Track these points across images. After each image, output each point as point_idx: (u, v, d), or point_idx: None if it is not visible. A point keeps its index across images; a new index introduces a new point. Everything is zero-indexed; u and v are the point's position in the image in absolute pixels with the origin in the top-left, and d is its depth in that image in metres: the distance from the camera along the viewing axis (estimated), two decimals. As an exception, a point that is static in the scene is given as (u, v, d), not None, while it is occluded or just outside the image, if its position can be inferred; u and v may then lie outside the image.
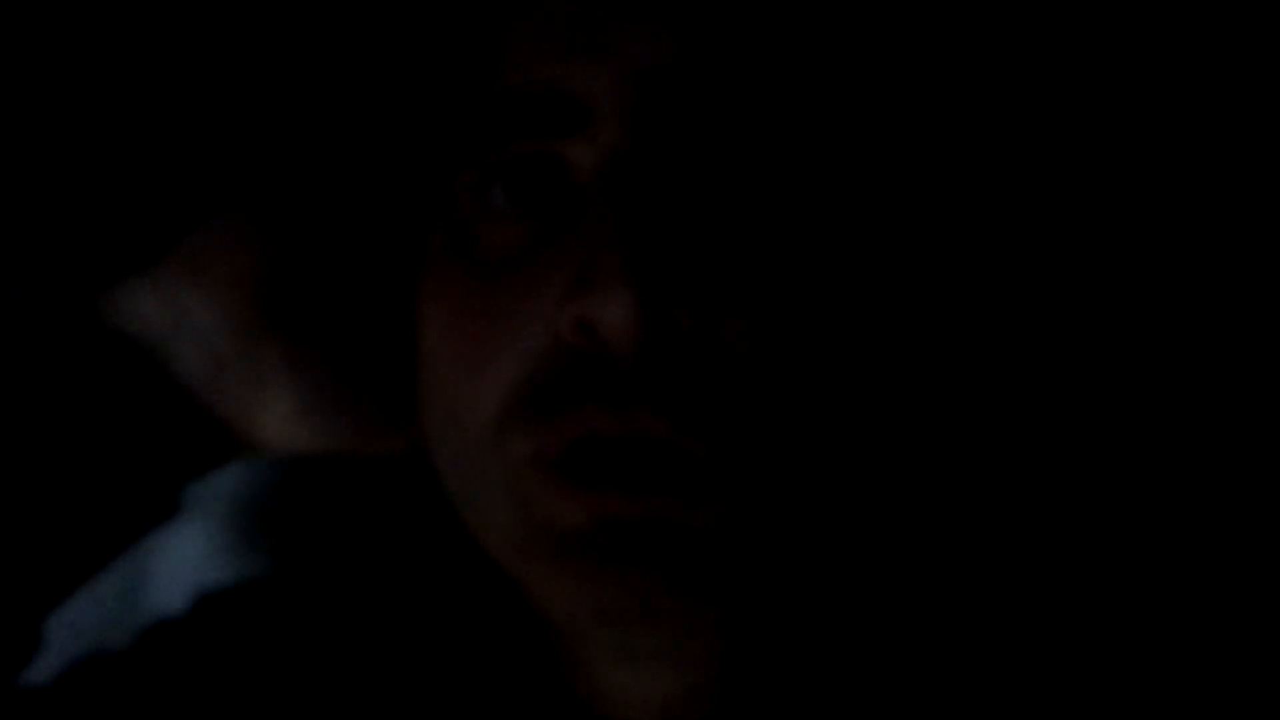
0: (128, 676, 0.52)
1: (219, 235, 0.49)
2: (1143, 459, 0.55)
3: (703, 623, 0.44)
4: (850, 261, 0.43)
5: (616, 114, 0.43)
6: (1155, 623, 0.48)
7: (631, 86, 0.43)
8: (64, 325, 0.49)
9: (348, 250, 0.50)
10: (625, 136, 0.43)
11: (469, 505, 0.45)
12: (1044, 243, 0.52)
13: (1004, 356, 0.50)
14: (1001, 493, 0.51)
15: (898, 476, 0.46)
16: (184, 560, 0.61)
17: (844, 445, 0.43)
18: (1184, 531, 0.52)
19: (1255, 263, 0.56)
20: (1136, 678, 0.46)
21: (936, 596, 0.48)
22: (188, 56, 0.52)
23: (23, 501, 0.48)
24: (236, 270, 0.49)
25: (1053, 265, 0.54)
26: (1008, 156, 0.49)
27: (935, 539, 0.49)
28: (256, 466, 0.60)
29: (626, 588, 0.42)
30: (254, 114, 0.51)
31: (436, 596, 0.52)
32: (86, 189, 0.50)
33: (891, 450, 0.45)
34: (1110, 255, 0.56)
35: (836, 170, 0.43)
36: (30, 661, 0.50)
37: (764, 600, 0.44)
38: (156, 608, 0.56)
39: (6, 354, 0.49)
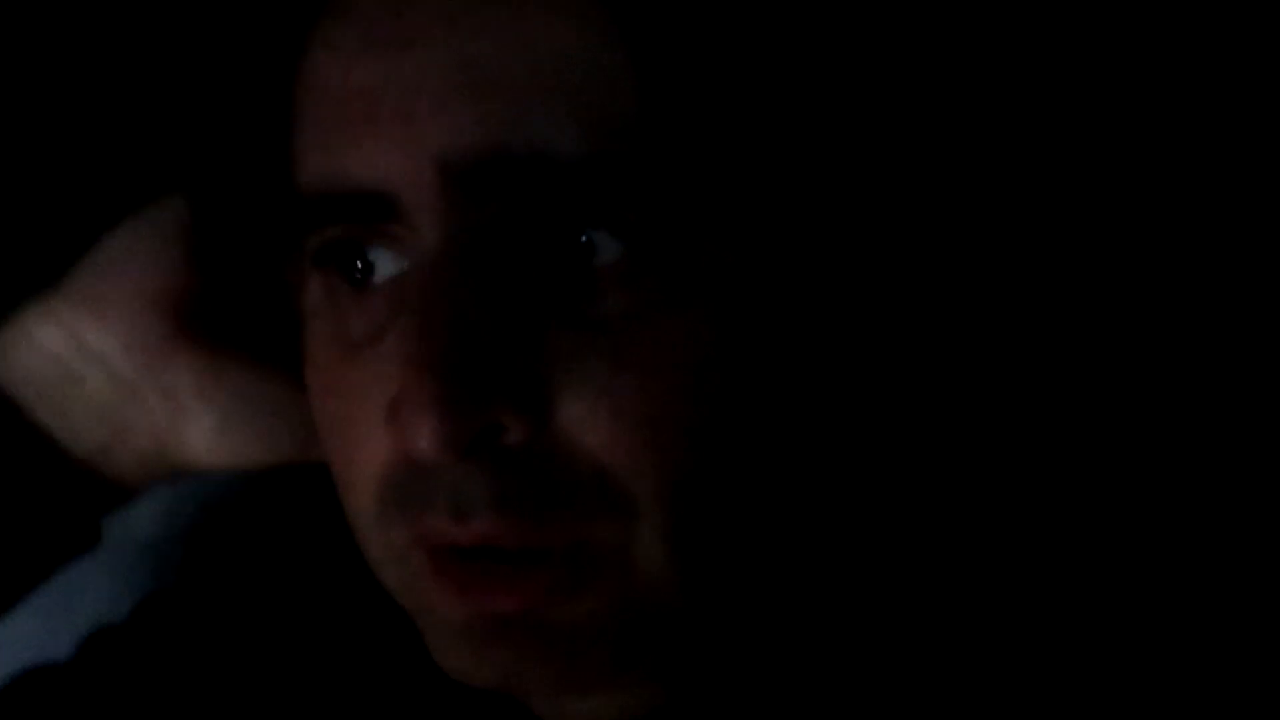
0: (65, 681, 0.53)
1: (113, 255, 0.48)
2: (1132, 461, 0.55)
3: (607, 680, 0.43)
4: (686, 338, 0.40)
5: (424, 204, 0.39)
6: (1139, 624, 0.47)
7: (435, 172, 0.38)
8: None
9: (250, 257, 0.49)
10: (436, 227, 0.39)
11: (368, 559, 0.44)
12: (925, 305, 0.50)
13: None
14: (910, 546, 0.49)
15: (776, 528, 0.45)
16: (95, 591, 0.62)
17: (707, 517, 0.41)
18: (1179, 530, 0.52)
19: (1255, 262, 0.56)
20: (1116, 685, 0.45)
21: (853, 619, 0.47)
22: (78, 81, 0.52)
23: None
24: (136, 291, 0.48)
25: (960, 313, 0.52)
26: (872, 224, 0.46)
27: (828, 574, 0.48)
28: (175, 490, 0.60)
29: (518, 665, 0.41)
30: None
31: (370, 602, 0.51)
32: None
33: (763, 508, 0.43)
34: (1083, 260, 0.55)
35: (662, 248, 0.39)
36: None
37: (666, 650, 0.44)
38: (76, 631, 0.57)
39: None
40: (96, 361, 0.48)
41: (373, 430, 0.41)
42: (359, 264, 0.42)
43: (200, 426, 0.49)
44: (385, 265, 0.41)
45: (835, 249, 0.43)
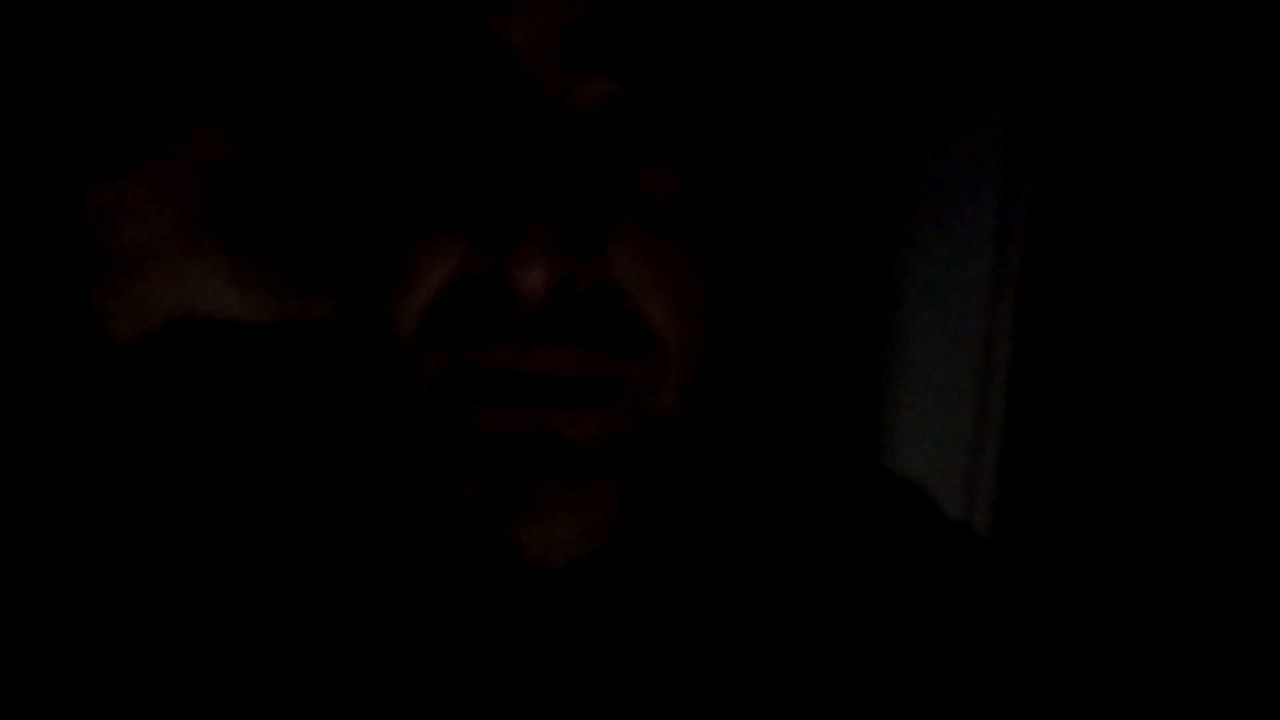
0: None
1: (174, 125, 0.51)
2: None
3: (593, 505, 0.50)
4: (730, 219, 0.49)
5: (543, 67, 0.45)
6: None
7: (556, 40, 0.45)
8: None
9: (284, 142, 0.52)
10: (552, 90, 0.45)
11: (395, 381, 0.50)
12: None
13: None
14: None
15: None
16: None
17: (702, 374, 0.49)
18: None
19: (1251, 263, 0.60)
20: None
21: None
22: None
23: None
24: (185, 166, 0.51)
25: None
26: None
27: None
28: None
29: (531, 477, 0.48)
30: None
31: (351, 454, 0.57)
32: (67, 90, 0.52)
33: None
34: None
35: (731, 137, 0.48)
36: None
37: (643, 484, 0.51)
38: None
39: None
40: (134, 215, 0.51)
41: (438, 256, 0.47)
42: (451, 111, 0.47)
43: (216, 285, 0.52)
44: (482, 117, 0.47)
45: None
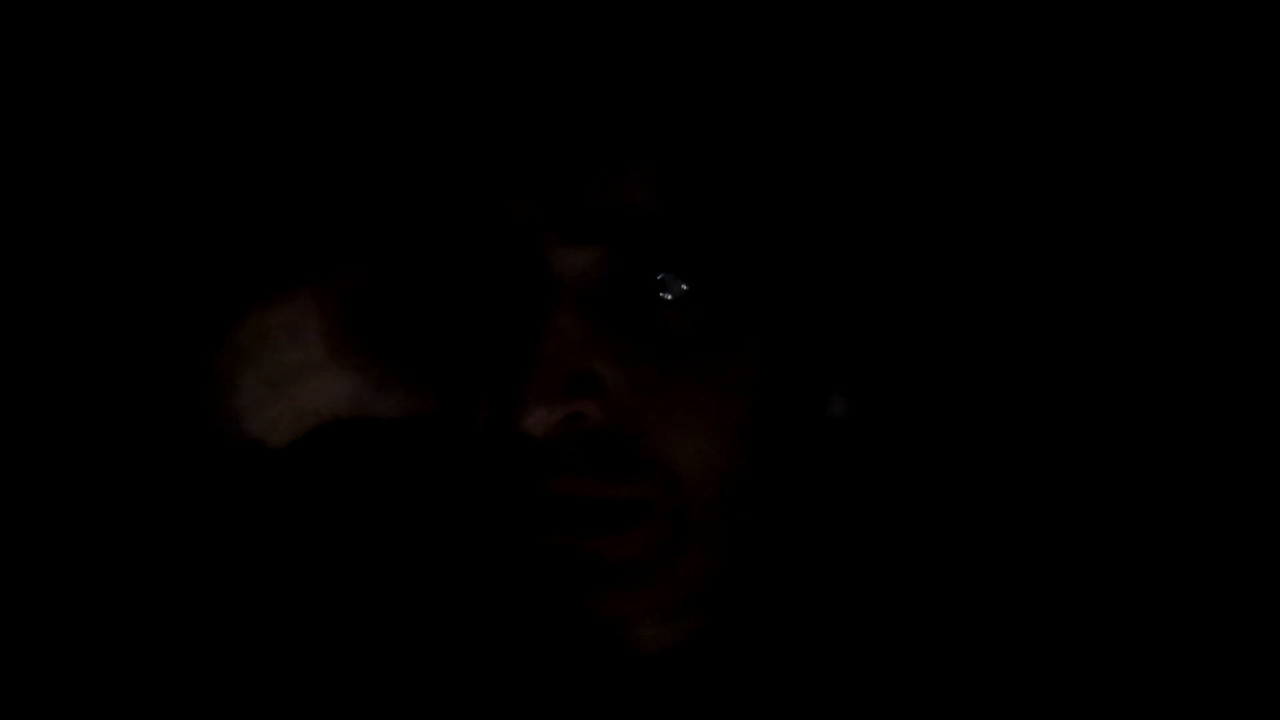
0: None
1: (316, 265, 0.61)
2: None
3: (656, 613, 0.55)
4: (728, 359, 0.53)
5: (537, 237, 0.51)
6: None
7: (544, 213, 0.51)
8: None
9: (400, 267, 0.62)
10: (548, 256, 0.52)
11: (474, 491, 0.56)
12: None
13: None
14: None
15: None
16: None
17: (736, 494, 0.53)
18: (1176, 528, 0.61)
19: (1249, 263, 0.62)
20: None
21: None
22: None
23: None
24: (328, 292, 0.61)
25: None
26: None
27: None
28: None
29: (586, 591, 0.53)
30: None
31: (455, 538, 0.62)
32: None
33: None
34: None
35: (712, 293, 0.52)
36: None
37: (705, 583, 0.55)
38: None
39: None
40: (293, 337, 0.60)
41: (479, 397, 0.54)
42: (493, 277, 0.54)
43: (352, 386, 0.61)
44: (496, 281, 0.54)
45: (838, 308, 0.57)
